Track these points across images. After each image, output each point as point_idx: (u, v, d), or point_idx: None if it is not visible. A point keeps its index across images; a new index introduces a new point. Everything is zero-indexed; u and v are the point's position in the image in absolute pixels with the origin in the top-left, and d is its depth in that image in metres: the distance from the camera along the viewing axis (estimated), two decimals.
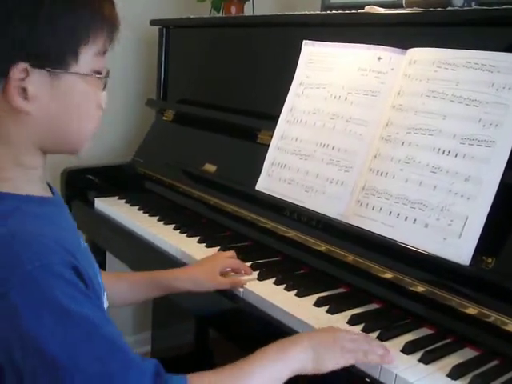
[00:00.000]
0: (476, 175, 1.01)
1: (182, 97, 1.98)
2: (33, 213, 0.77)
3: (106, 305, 0.90)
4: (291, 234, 1.31)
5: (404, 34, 1.27)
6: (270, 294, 1.14)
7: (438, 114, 1.09)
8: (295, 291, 1.15)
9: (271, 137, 1.43)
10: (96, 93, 0.81)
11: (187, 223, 1.55)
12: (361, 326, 1.02)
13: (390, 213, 1.11)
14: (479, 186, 1.00)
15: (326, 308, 1.09)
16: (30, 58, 0.73)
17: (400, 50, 1.22)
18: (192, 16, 1.94)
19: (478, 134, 1.03)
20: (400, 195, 1.10)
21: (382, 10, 1.33)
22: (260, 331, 1.14)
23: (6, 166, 0.78)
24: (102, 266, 1.66)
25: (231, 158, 1.60)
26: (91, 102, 0.81)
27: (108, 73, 0.82)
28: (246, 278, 1.22)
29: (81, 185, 1.83)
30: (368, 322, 1.02)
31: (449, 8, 1.24)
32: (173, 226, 1.54)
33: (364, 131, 1.23)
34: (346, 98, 1.29)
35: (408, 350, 0.95)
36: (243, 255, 1.30)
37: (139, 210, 1.70)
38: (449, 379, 0.89)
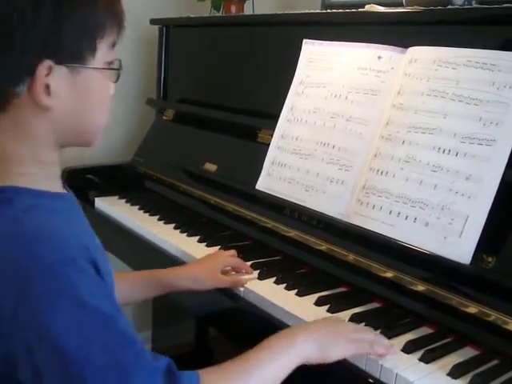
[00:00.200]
0: (476, 174, 1.01)
1: (182, 96, 1.98)
2: (51, 208, 0.78)
3: None
4: (292, 233, 1.31)
5: (404, 32, 1.26)
6: (270, 294, 1.14)
7: (438, 113, 1.09)
8: (296, 290, 1.15)
9: (271, 136, 1.43)
10: (109, 84, 0.84)
11: (187, 222, 1.55)
12: (361, 325, 1.02)
13: (391, 212, 1.11)
14: (480, 184, 1.00)
15: (327, 307, 1.09)
16: (53, 55, 0.75)
17: (400, 48, 1.22)
18: (192, 15, 1.94)
19: (478, 132, 1.02)
20: (400, 194, 1.10)
21: (382, 9, 1.32)
22: (260, 330, 1.14)
23: (24, 161, 0.79)
24: None
25: (231, 158, 1.60)
26: (106, 93, 0.84)
27: (121, 64, 0.84)
28: (246, 277, 1.22)
29: (81, 184, 1.83)
30: (368, 321, 1.02)
31: (449, 6, 1.23)
32: (173, 225, 1.54)
33: (364, 130, 1.23)
34: (346, 97, 1.29)
35: (408, 349, 0.95)
36: (244, 254, 1.29)
37: (139, 209, 1.70)
38: (449, 378, 0.89)
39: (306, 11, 1.56)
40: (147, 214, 1.65)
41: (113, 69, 0.83)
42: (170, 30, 1.99)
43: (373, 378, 0.91)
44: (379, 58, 1.25)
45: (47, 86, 0.76)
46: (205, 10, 2.09)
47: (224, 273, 1.22)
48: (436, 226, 1.03)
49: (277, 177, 1.38)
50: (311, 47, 1.41)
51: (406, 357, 0.93)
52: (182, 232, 1.50)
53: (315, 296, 1.13)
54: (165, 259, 1.39)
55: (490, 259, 0.97)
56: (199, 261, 1.26)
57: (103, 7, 0.78)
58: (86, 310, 0.69)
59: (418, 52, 1.17)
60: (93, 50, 0.78)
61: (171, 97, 2.01)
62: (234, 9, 2.02)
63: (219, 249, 1.37)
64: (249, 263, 1.27)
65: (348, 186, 1.22)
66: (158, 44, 2.01)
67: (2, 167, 0.79)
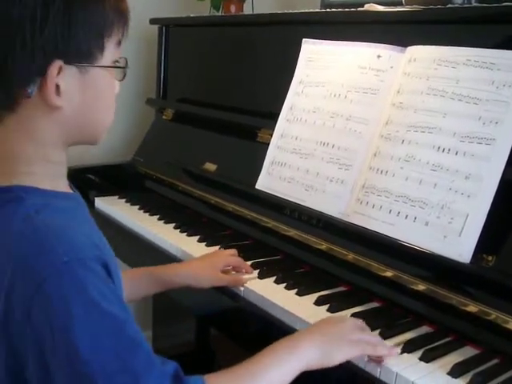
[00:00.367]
0: (476, 173, 1.01)
1: (181, 96, 1.98)
2: (61, 208, 0.78)
3: None
4: (291, 232, 1.31)
5: (403, 31, 1.26)
6: (270, 293, 1.14)
7: (438, 112, 1.09)
8: (296, 290, 1.15)
9: (271, 135, 1.43)
10: (115, 82, 0.84)
11: (187, 222, 1.55)
12: (359, 320, 1.02)
13: (390, 211, 1.11)
14: (479, 183, 1.00)
15: (327, 307, 1.09)
16: (63, 55, 0.75)
17: (399, 47, 1.22)
18: (192, 15, 1.94)
19: (478, 131, 1.02)
20: (400, 193, 1.10)
21: (381, 8, 1.32)
22: (261, 330, 1.14)
23: (32, 160, 0.79)
24: None
25: (231, 157, 1.60)
26: (112, 91, 0.84)
27: (127, 62, 0.85)
28: (246, 276, 1.22)
29: (81, 184, 1.81)
30: (368, 321, 1.02)
31: (449, 5, 1.23)
32: (173, 225, 1.54)
33: (364, 129, 1.23)
34: (345, 97, 1.29)
35: (408, 348, 0.95)
36: (243, 254, 1.29)
37: (139, 209, 1.70)
38: (449, 377, 0.89)
39: (306, 10, 1.56)
40: (147, 214, 1.65)
41: (120, 67, 0.83)
42: (170, 29, 1.99)
43: (373, 377, 0.91)
44: (378, 57, 1.25)
45: (57, 86, 0.76)
46: (204, 10, 2.09)
47: (224, 272, 1.22)
48: (436, 225, 1.03)
49: (277, 176, 1.38)
50: (311, 46, 1.41)
51: (406, 356, 0.93)
52: (181, 232, 1.50)
53: (315, 295, 1.13)
54: (165, 259, 1.39)
55: (489, 258, 0.97)
56: (200, 258, 1.26)
57: (110, 6, 0.79)
58: (98, 312, 0.69)
59: (418, 51, 1.17)
60: (101, 48, 0.79)
61: (171, 96, 2.01)
62: (233, 8, 2.02)
63: (219, 248, 1.37)
64: (249, 263, 1.27)
65: (348, 185, 1.22)
66: (157, 43, 2.01)
67: (9, 166, 0.79)
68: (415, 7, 1.27)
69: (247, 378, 0.80)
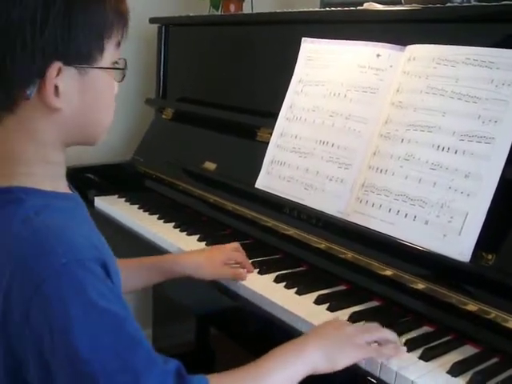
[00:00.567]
0: (476, 172, 1.01)
1: (181, 95, 1.98)
2: (60, 208, 0.78)
3: None
4: (291, 231, 1.31)
5: (403, 30, 1.26)
6: (270, 292, 1.14)
7: (437, 111, 1.09)
8: (295, 289, 1.15)
9: (271, 134, 1.43)
10: (114, 83, 0.84)
11: (187, 221, 1.55)
12: (361, 324, 1.02)
13: (390, 210, 1.11)
14: (479, 182, 1.00)
15: (327, 306, 1.09)
16: (63, 56, 0.75)
17: (399, 46, 1.22)
18: (191, 14, 1.94)
19: (477, 130, 1.02)
20: (400, 192, 1.10)
21: (380, 7, 1.32)
22: (261, 329, 1.14)
23: (31, 161, 0.79)
24: None
25: (231, 156, 1.60)
26: (112, 92, 0.84)
27: (126, 63, 0.85)
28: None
29: (80, 183, 1.81)
30: (368, 320, 1.02)
31: (448, 4, 1.23)
32: (173, 224, 1.54)
33: (363, 128, 1.23)
34: (345, 96, 1.29)
35: (408, 347, 0.95)
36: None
37: (139, 208, 1.70)
38: (449, 376, 0.89)
39: (305, 9, 1.55)
40: (147, 213, 1.65)
41: (119, 68, 0.83)
42: (169, 28, 1.99)
43: (373, 376, 0.91)
44: (378, 56, 1.25)
45: (56, 88, 0.76)
46: (204, 9, 2.09)
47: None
48: (435, 224, 1.03)
49: (276, 175, 1.38)
50: (310, 45, 1.41)
51: (406, 355, 0.93)
52: (181, 231, 1.50)
53: (315, 294, 1.13)
54: None
55: (489, 257, 0.97)
56: (202, 250, 1.26)
57: (111, 7, 0.79)
58: (97, 311, 0.69)
59: (417, 50, 1.17)
60: (101, 50, 0.79)
61: (170, 96, 2.01)
62: (232, 7, 2.02)
63: None
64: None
65: (347, 184, 1.22)
66: (157, 43, 2.01)
67: (8, 167, 0.79)
68: (414, 6, 1.26)
69: (250, 381, 0.80)
